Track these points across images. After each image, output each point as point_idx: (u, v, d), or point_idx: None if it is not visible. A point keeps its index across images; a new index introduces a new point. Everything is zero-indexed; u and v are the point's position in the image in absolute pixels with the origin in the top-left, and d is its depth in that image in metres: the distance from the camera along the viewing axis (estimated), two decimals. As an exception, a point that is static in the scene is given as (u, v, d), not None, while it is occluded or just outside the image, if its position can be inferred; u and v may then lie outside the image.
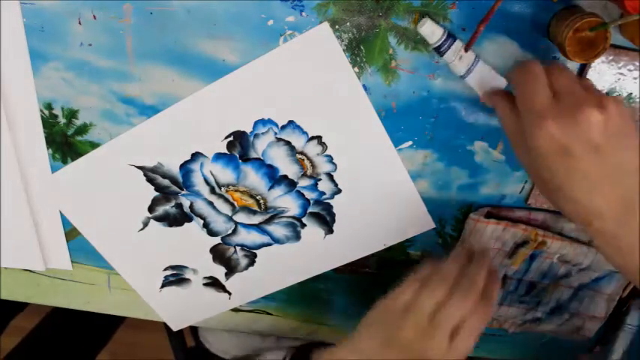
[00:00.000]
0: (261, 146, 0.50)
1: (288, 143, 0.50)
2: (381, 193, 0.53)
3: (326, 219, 0.55)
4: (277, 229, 0.56)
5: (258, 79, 0.47)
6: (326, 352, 0.48)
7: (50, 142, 0.51)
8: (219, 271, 0.60)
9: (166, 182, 0.53)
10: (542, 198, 0.53)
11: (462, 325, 0.44)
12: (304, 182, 0.52)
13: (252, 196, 0.53)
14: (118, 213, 0.55)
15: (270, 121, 0.49)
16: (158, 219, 0.55)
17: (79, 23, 0.45)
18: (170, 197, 0.54)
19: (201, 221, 0.55)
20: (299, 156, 0.51)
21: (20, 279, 0.62)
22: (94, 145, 0.51)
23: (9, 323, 0.93)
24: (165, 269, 0.60)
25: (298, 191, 0.53)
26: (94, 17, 0.44)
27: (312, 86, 0.47)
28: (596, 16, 0.40)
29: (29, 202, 0.54)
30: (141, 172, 0.52)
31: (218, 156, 0.51)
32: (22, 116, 0.49)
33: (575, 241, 0.54)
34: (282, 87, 0.47)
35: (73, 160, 0.52)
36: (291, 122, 0.49)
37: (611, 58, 0.46)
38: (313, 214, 0.55)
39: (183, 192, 0.53)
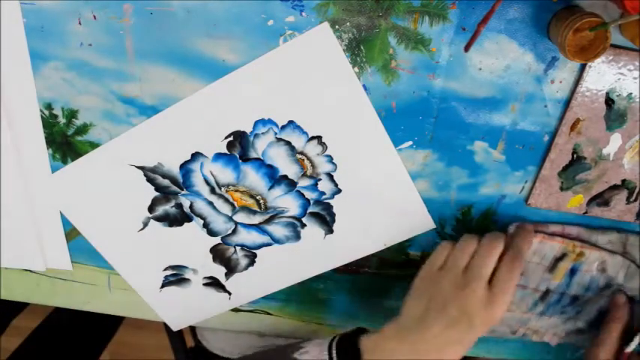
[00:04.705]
0: (261, 146, 0.50)
1: (288, 143, 0.50)
2: (381, 193, 0.53)
3: (326, 219, 0.55)
4: (277, 229, 0.56)
5: (258, 79, 0.47)
6: (375, 335, 0.49)
7: (50, 142, 0.51)
8: (219, 271, 0.60)
9: (166, 182, 0.53)
10: (541, 198, 0.53)
11: (495, 277, 0.47)
12: (304, 182, 0.52)
13: (252, 196, 0.53)
14: (118, 213, 0.55)
15: (270, 121, 0.49)
16: (158, 219, 0.55)
17: (79, 23, 0.45)
18: (170, 197, 0.54)
19: (201, 221, 0.55)
20: (299, 156, 0.51)
21: (20, 279, 0.62)
22: (93, 145, 0.51)
23: (9, 324, 0.93)
24: (165, 269, 0.60)
25: (298, 191, 0.53)
26: (94, 17, 0.44)
27: (312, 86, 0.47)
28: (596, 16, 0.40)
29: (29, 202, 0.54)
30: (141, 172, 0.52)
31: (218, 156, 0.51)
32: (22, 116, 0.49)
33: (611, 252, 0.55)
34: (282, 87, 0.47)
35: (73, 160, 0.52)
36: (291, 122, 0.49)
37: (611, 58, 0.45)
38: (313, 214, 0.55)
39: (183, 192, 0.53)
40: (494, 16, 0.44)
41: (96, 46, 0.46)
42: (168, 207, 0.55)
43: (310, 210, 0.54)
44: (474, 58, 0.46)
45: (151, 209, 0.55)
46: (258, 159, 0.51)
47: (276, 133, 0.49)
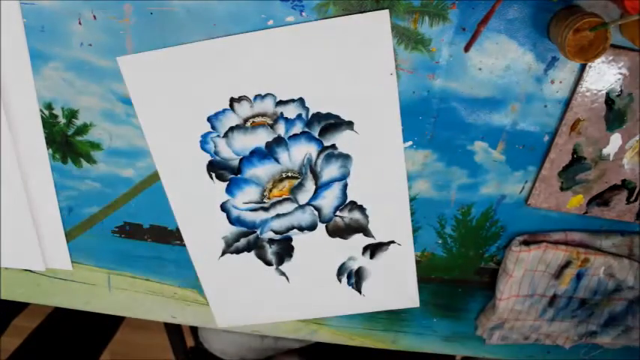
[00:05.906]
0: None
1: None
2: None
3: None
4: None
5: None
6: None
7: (50, 142, 0.51)
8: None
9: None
10: (541, 198, 0.53)
11: None
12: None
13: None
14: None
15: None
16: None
17: (79, 23, 0.45)
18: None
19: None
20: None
21: (20, 279, 0.62)
22: (94, 145, 0.51)
23: (10, 323, 0.93)
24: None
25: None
26: (94, 17, 0.44)
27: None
28: (596, 16, 0.40)
29: (29, 202, 0.54)
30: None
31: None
32: (22, 116, 0.49)
33: (617, 255, 0.55)
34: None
35: (73, 160, 0.52)
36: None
37: (611, 58, 0.45)
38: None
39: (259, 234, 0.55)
40: (495, 16, 0.44)
41: (96, 46, 0.46)
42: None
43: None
44: (474, 58, 0.46)
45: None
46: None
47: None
